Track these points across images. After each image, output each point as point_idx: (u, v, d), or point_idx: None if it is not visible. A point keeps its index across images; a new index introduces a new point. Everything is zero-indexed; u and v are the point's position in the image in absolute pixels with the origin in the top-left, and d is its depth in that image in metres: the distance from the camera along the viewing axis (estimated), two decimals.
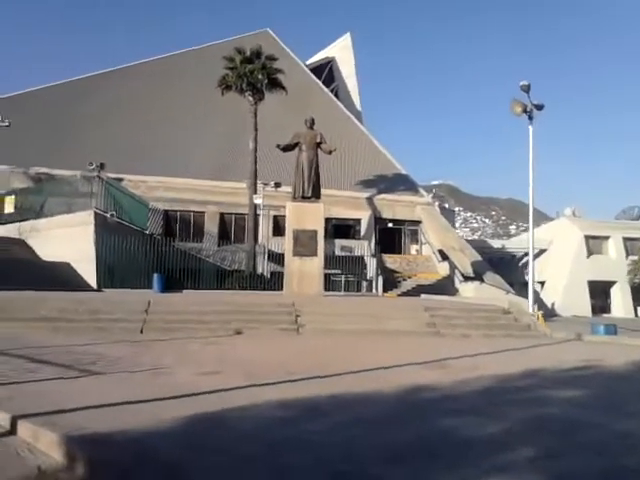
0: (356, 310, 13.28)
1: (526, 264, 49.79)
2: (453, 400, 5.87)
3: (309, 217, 22.11)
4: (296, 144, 23.10)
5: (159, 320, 11.71)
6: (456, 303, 15.32)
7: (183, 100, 47.57)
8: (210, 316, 12.12)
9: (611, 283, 43.78)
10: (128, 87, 48.46)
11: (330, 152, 23.14)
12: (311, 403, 5.46)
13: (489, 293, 27.77)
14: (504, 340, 11.81)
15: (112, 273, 26.01)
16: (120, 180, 34.43)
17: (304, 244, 21.93)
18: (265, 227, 37.08)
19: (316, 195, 22.80)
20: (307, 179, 22.67)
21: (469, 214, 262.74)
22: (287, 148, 23.53)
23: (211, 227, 39.07)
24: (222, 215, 39.85)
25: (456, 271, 33.11)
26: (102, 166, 29.09)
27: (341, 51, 71.50)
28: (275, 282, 28.80)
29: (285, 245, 22.37)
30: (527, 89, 19.28)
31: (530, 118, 19.74)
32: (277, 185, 36.91)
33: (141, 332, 11.26)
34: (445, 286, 31.39)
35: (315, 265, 21.82)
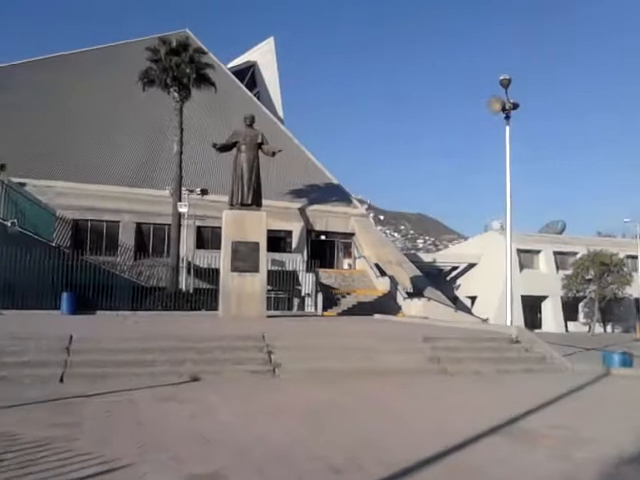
0: (338, 341, 10.67)
1: (455, 278, 49.25)
2: None
3: (250, 227, 19.44)
4: (234, 144, 20.37)
5: (86, 362, 8.59)
6: (450, 330, 13.09)
7: (98, 99, 43.33)
8: (154, 354, 9.12)
9: (542, 298, 43.68)
10: (37, 81, 43.55)
11: (273, 154, 20.62)
12: None
13: (437, 311, 26.03)
14: (528, 378, 9.65)
15: (12, 291, 22.01)
16: (23, 185, 30.02)
17: (244, 258, 19.25)
18: (189, 239, 33.66)
19: (257, 202, 20.15)
20: (247, 184, 19.99)
21: (379, 227, 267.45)
22: (224, 148, 20.73)
23: (126, 239, 35.10)
24: (139, 225, 35.98)
25: (398, 287, 31.24)
26: (2, 167, 24.94)
27: (263, 56, 69.02)
28: (204, 301, 25.68)
29: (221, 259, 19.49)
30: (507, 84, 17.54)
31: (507, 117, 18.08)
32: (203, 192, 33.62)
33: (61, 381, 8.10)
34: (386, 303, 29.43)
35: (257, 282, 19.18)
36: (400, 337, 11.36)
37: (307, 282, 30.46)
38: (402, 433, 5.79)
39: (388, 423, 6.21)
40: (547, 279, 43.20)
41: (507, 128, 18.98)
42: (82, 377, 8.20)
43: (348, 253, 40.56)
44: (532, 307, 43.23)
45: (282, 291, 31.10)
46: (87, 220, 34.81)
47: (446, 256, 51.60)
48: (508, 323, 17.22)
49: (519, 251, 42.87)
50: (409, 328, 14.26)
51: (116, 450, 4.89)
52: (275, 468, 4.51)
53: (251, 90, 58.53)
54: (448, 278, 48.54)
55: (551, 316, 43.88)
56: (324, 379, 8.94)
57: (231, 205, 19.78)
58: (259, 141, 20.19)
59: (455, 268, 49.05)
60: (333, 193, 42.45)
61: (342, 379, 9.00)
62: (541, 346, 11.21)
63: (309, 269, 31.70)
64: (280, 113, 65.06)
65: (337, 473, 4.38)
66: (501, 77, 18.50)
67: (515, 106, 18.67)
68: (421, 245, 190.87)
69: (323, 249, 39.35)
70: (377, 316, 21.18)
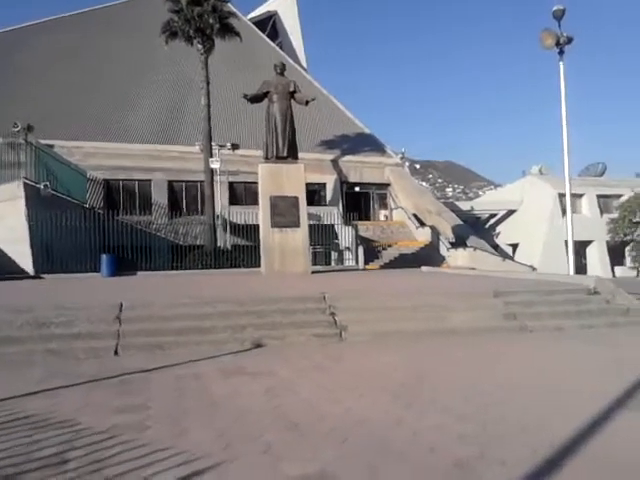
0: (403, 299, 9.87)
1: (494, 226, 47.88)
2: None
3: (288, 181, 18.68)
4: (265, 94, 19.43)
5: (140, 332, 7.97)
6: (516, 282, 12.20)
7: (121, 55, 42.31)
8: (212, 320, 8.46)
9: (587, 243, 42.20)
10: (60, 41, 42.56)
11: (307, 102, 19.63)
12: None
13: (484, 260, 25.00)
14: (616, 333, 8.78)
15: (50, 254, 21.77)
16: (51, 147, 29.47)
17: (284, 213, 18.58)
18: (222, 195, 32.96)
19: (293, 154, 19.32)
20: (282, 135, 19.13)
21: None
22: (255, 98, 19.79)
23: (159, 197, 34.55)
24: (171, 183, 35.32)
25: (440, 237, 30.19)
26: (29, 129, 24.20)
27: (284, 5, 66.54)
28: (243, 258, 25.10)
29: (260, 215, 18.80)
30: (561, 15, 16.13)
31: (561, 52, 16.70)
32: (234, 147, 32.80)
33: (116, 353, 7.51)
34: (429, 254, 28.48)
35: (299, 237, 18.54)
36: (467, 292, 10.48)
37: (345, 235, 29.65)
38: (518, 408, 4.98)
39: (493, 395, 5.40)
40: (591, 223, 41.54)
41: (561, 64, 17.65)
42: (138, 348, 7.59)
43: (384, 204, 39.44)
44: (577, 253, 41.73)
45: (320, 245, 30.36)
46: (118, 180, 34.28)
47: (484, 203, 49.96)
48: (570, 272, 16.28)
49: (560, 195, 41.17)
50: (470, 281, 13.39)
51: (195, 442, 4.19)
52: (388, 464, 3.75)
53: (273, 40, 56.54)
54: (487, 226, 47.13)
55: (597, 261, 42.47)
56: (396, 342, 8.19)
57: (266, 158, 18.97)
58: (291, 89, 19.24)
59: (493, 216, 47.60)
60: (366, 143, 41.06)
61: (415, 341, 8.24)
62: (624, 297, 10.26)
63: (346, 222, 30.85)
64: (304, 63, 63.02)
65: (471, 471, 3.60)
66: (554, 8, 17.09)
67: (569, 40, 17.33)
68: (450, 194, 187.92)
69: (358, 201, 38.30)
70: (424, 268, 20.35)
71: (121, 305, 8.52)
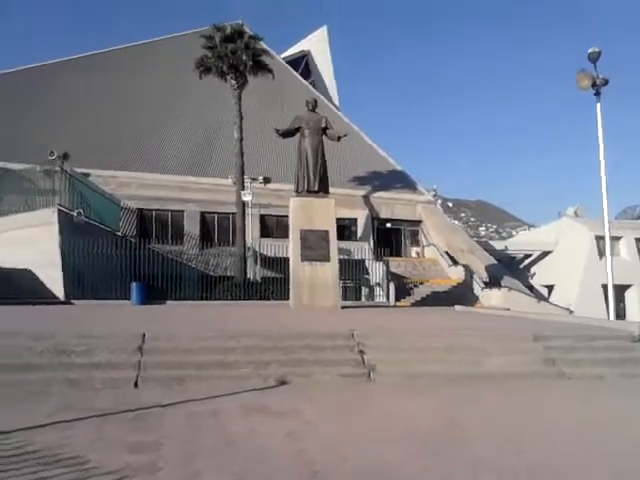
0: (435, 339, 9.45)
1: (528, 266, 46.85)
2: None
3: (318, 215, 18.45)
4: (297, 129, 19.44)
5: (161, 364, 7.72)
6: (559, 325, 11.66)
7: (155, 90, 43.25)
8: (235, 354, 8.17)
9: (625, 287, 40.87)
10: (96, 75, 43.63)
11: (339, 138, 19.55)
12: None
13: (519, 301, 24.33)
14: None
15: (81, 280, 21.93)
16: (87, 175, 30.07)
17: (313, 247, 18.31)
18: (253, 228, 33.02)
19: (324, 189, 19.15)
20: (313, 170, 19.00)
21: None
22: (287, 133, 19.83)
23: (191, 228, 34.85)
24: (203, 214, 35.66)
25: (474, 276, 29.57)
26: (65, 157, 24.69)
27: (316, 45, 67.44)
28: (273, 290, 24.89)
29: (290, 248, 18.61)
30: (596, 57, 15.87)
31: (597, 93, 16.38)
32: (266, 180, 33.00)
33: (135, 386, 7.26)
34: (462, 293, 27.87)
35: (328, 271, 18.18)
36: (505, 335, 10.00)
37: (376, 271, 29.29)
38: (554, 459, 4.53)
39: (536, 452, 4.96)
40: (630, 266, 40.32)
41: (598, 105, 17.34)
42: (158, 381, 7.32)
43: (416, 241, 39.04)
44: (615, 297, 40.46)
45: (350, 280, 30.02)
46: (152, 210, 34.72)
47: (518, 243, 49.06)
48: (611, 316, 15.59)
49: (597, 238, 40.19)
50: (506, 323, 12.88)
51: None
52: None
53: (306, 79, 57.19)
54: (521, 266, 46.16)
55: (636, 305, 41.08)
56: (427, 385, 7.77)
57: (297, 192, 18.88)
58: (323, 125, 19.22)
59: (528, 256, 46.65)
60: (398, 180, 40.97)
61: (448, 385, 7.81)
62: None
63: (377, 258, 30.50)
64: (336, 101, 63.53)
65: None
66: (590, 50, 16.85)
67: (606, 82, 17.03)
68: (483, 233, 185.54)
69: (389, 237, 38.00)
70: (458, 307, 19.78)
71: (144, 335, 8.30)
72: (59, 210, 21.92)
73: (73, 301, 19.93)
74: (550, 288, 42.80)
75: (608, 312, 17.58)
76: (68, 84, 41.85)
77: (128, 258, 24.42)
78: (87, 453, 4.58)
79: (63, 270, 20.80)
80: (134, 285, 21.36)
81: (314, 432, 5.40)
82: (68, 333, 8.62)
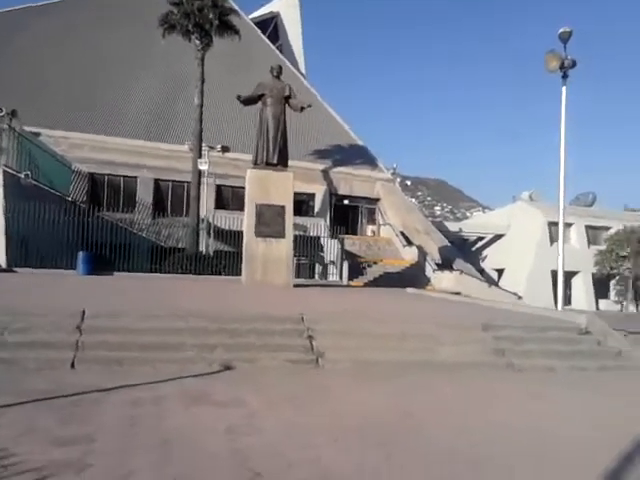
0: (387, 327, 9.32)
1: (481, 249, 47.65)
2: None
3: (276, 189, 18.09)
4: (260, 96, 18.84)
5: (100, 344, 7.34)
6: (505, 314, 11.74)
7: (119, 45, 41.48)
8: (180, 336, 7.87)
9: (573, 273, 42.03)
10: (53, 25, 41.72)
11: (302, 109, 19.02)
12: None
13: (470, 285, 24.64)
14: (608, 377, 8.32)
15: (26, 248, 21.05)
16: (37, 135, 28.72)
17: (269, 223, 17.98)
18: (208, 198, 32.32)
19: (283, 162, 18.70)
20: (272, 141, 18.53)
21: None
22: (249, 100, 19.17)
23: (144, 195, 33.87)
24: (157, 182, 34.68)
25: (427, 257, 29.79)
26: (14, 114, 23.43)
27: (287, 8, 65.90)
28: (225, 265, 24.48)
29: (244, 222, 18.20)
30: (567, 38, 15.69)
31: (565, 76, 16.24)
32: (225, 149, 32.16)
33: (72, 367, 6.88)
34: (414, 274, 28.07)
35: (283, 248, 17.94)
36: (457, 324, 9.97)
37: (331, 249, 29.16)
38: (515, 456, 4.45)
39: (488, 444, 4.86)
40: (578, 254, 41.38)
41: (563, 89, 17.11)
42: (97, 362, 6.97)
43: (372, 219, 39.05)
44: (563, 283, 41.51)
45: (304, 257, 29.81)
46: (104, 174, 33.55)
47: (472, 226, 49.75)
48: (559, 307, 15.84)
49: (550, 224, 41.04)
50: (459, 309, 12.92)
51: None
52: None
53: (273, 43, 55.91)
54: (474, 249, 46.90)
55: (582, 293, 42.36)
56: (376, 373, 7.64)
57: (255, 164, 18.43)
58: (286, 94, 18.68)
59: (481, 239, 47.41)
60: (358, 155, 40.72)
61: (400, 374, 7.69)
62: (615, 338, 9.82)
63: (333, 235, 30.36)
64: (302, 69, 62.47)
65: None
66: (560, 30, 16.65)
67: (574, 63, 16.84)
68: (439, 212, 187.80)
69: (346, 214, 37.90)
70: (410, 290, 19.85)
71: (83, 312, 7.89)
72: (5, 171, 20.88)
73: (16, 269, 19.13)
74: (500, 272, 43.70)
75: (556, 299, 17.82)
76: (18, 34, 39.87)
77: (77, 225, 23.58)
78: (12, 447, 4.26)
79: (6, 236, 19.91)
80: (81, 254, 20.66)
81: (255, 425, 5.17)
82: (1, 307, 8.13)
